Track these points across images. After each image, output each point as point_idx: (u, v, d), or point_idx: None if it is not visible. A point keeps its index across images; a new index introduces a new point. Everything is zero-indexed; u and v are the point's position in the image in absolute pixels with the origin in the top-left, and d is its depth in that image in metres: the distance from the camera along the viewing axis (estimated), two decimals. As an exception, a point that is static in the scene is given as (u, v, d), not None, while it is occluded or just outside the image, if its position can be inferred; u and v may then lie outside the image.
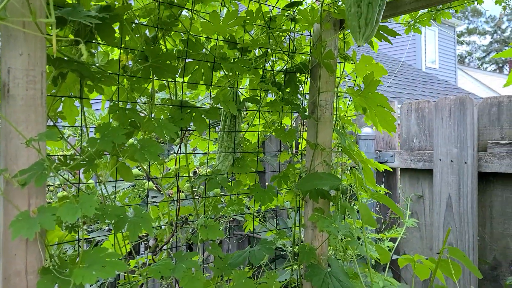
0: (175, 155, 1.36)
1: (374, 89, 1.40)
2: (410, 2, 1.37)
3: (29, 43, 0.88)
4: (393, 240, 2.18)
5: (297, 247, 1.52)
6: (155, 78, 1.20)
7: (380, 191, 1.68)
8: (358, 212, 1.34)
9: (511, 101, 1.91)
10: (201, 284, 1.15)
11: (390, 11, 1.45)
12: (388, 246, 2.03)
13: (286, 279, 1.80)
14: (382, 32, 1.35)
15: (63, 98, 1.13)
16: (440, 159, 2.09)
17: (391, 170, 1.90)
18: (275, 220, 2.42)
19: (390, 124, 1.43)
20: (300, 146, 1.79)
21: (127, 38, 1.20)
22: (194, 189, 1.34)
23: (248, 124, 1.60)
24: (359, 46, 0.90)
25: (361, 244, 1.49)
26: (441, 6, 1.45)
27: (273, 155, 2.19)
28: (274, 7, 1.46)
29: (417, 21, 1.54)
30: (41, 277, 0.90)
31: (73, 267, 0.91)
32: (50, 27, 0.90)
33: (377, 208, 2.38)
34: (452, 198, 2.04)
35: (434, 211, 2.13)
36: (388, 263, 1.77)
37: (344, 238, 1.53)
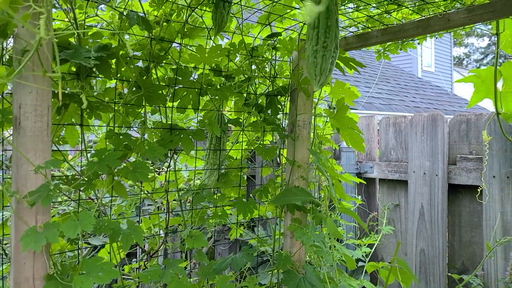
0: (165, 171, 1.51)
1: (345, 113, 1.55)
2: (377, 36, 1.52)
3: (37, 83, 1.03)
4: (371, 246, 2.34)
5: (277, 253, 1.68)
6: (147, 105, 1.35)
7: (352, 201, 1.83)
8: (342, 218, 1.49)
9: (478, 119, 2.07)
10: (186, 287, 1.31)
11: (361, 42, 1.61)
12: (365, 252, 2.19)
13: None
14: (351, 63, 1.51)
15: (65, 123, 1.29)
16: (414, 171, 2.25)
17: (365, 182, 2.05)
18: (262, 227, 2.58)
19: (358, 144, 1.58)
20: (282, 160, 1.94)
21: (123, 69, 1.35)
22: (182, 202, 1.49)
23: (232, 142, 1.75)
24: (315, 91, 1.05)
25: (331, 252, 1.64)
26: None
27: (265, 165, 2.35)
28: (256, 37, 1.62)
29: (386, 49, 1.70)
30: (46, 283, 1.05)
31: (73, 274, 1.06)
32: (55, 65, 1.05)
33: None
34: (425, 208, 2.20)
35: (408, 219, 2.28)
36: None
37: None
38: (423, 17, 1.42)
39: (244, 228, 2.43)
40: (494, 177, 1.97)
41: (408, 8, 1.40)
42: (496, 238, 1.97)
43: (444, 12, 1.35)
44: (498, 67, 1.61)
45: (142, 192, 1.55)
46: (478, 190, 1.90)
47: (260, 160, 2.70)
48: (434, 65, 15.85)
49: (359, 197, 2.47)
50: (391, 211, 2.40)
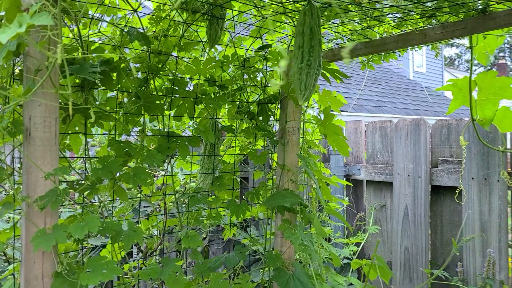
0: (162, 175, 1.61)
1: (331, 120, 1.66)
2: (361, 48, 1.63)
3: (46, 96, 1.12)
4: (359, 245, 2.45)
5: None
6: (146, 114, 1.45)
7: (340, 203, 1.93)
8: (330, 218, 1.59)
9: (458, 123, 2.19)
10: (183, 284, 1.41)
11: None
12: (353, 250, 2.30)
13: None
14: (336, 74, 1.61)
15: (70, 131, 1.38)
16: (399, 173, 2.36)
17: (351, 184, 2.15)
18: (255, 227, 2.68)
19: (344, 149, 1.69)
20: (273, 164, 2.05)
21: (123, 80, 1.44)
22: (178, 204, 1.59)
23: (226, 147, 1.85)
24: (300, 105, 1.16)
25: (323, 250, 1.75)
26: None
27: (257, 168, 2.45)
28: (248, 49, 1.72)
29: (370, 60, 1.80)
30: (54, 280, 1.14)
31: (79, 272, 1.15)
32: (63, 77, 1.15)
33: (345, 216, 2.65)
34: (409, 208, 2.32)
35: (393, 219, 2.40)
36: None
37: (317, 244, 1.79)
38: (403, 32, 1.53)
39: (237, 229, 2.53)
40: (472, 178, 2.09)
41: (388, 24, 1.51)
42: (475, 237, 2.09)
43: (422, 28, 1.46)
44: (473, 78, 1.73)
45: (141, 195, 1.64)
46: (456, 191, 2.01)
47: (253, 163, 2.80)
48: (425, 66, 16.04)
49: (347, 198, 2.58)
50: (378, 211, 2.51)
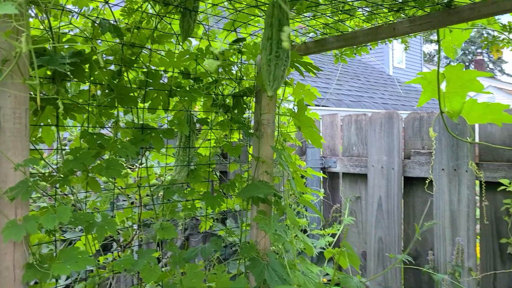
0: (138, 167, 1.62)
1: (304, 113, 1.69)
2: (333, 42, 1.66)
3: (15, 87, 1.12)
4: (334, 235, 2.49)
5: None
6: (119, 106, 1.45)
7: (315, 194, 1.97)
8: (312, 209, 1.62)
9: (430, 116, 2.25)
10: (157, 275, 1.42)
11: (319, 47, 1.75)
12: (328, 241, 2.34)
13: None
14: (309, 67, 1.64)
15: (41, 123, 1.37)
16: (373, 165, 2.42)
17: (326, 176, 2.20)
18: (234, 220, 2.71)
19: (317, 141, 1.72)
20: (249, 156, 2.07)
21: (96, 73, 1.44)
22: (154, 197, 1.60)
23: (202, 140, 1.87)
24: (268, 96, 1.18)
25: (296, 239, 1.78)
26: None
27: (232, 161, 2.47)
28: (222, 42, 1.73)
29: (343, 53, 1.84)
30: (25, 271, 1.14)
31: (51, 263, 1.16)
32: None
33: (322, 207, 2.69)
34: (382, 199, 2.37)
35: (368, 210, 2.45)
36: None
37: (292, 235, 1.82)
38: (373, 26, 1.57)
39: (215, 221, 2.55)
40: (443, 169, 2.15)
41: (358, 18, 1.54)
42: (445, 226, 2.15)
43: (390, 22, 1.50)
44: (442, 71, 1.78)
45: (115, 188, 1.65)
46: (426, 181, 2.07)
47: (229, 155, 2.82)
48: (405, 62, 16.26)
49: (322, 190, 2.62)
50: (353, 203, 2.56)
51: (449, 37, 1.73)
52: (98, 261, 1.64)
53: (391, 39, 1.67)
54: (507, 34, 1.38)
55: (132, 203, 2.05)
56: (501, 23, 1.39)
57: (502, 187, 1.94)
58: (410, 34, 1.59)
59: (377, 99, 7.45)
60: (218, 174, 3.01)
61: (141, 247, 2.28)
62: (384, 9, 1.45)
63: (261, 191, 1.55)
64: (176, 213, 1.65)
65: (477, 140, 2.10)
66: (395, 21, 1.51)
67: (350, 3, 1.46)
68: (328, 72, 7.98)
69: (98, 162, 1.32)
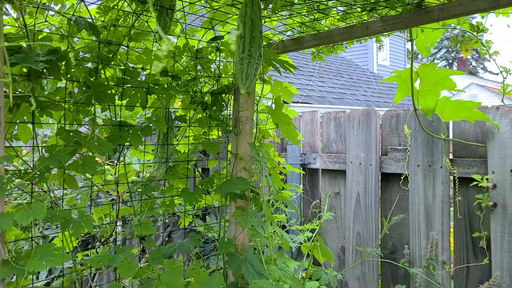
0: (116, 164, 1.63)
1: (281, 110, 1.72)
2: (309, 40, 1.69)
3: (-10, 85, 1.12)
4: (314, 230, 2.54)
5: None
6: (96, 103, 1.46)
7: (294, 191, 2.00)
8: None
9: (406, 113, 2.30)
10: (134, 270, 1.44)
11: (296, 45, 1.78)
12: (307, 236, 2.38)
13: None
14: (285, 65, 1.67)
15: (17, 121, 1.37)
16: (351, 162, 2.46)
17: (304, 172, 2.23)
18: (215, 216, 2.73)
19: (293, 137, 1.75)
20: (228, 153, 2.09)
21: (73, 70, 1.44)
22: (134, 194, 1.61)
23: (180, 137, 1.88)
24: (241, 94, 1.21)
25: (272, 236, 1.82)
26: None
27: (212, 158, 2.49)
28: (200, 40, 1.75)
29: (320, 51, 1.87)
30: (1, 267, 1.15)
31: (27, 259, 1.17)
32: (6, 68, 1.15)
33: (301, 203, 2.73)
34: (360, 195, 2.42)
35: (346, 205, 2.50)
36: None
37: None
38: (348, 25, 1.60)
39: (197, 217, 2.57)
40: (418, 165, 2.21)
41: (333, 17, 1.57)
42: (420, 221, 2.21)
43: (364, 21, 1.54)
44: (415, 69, 1.83)
45: (93, 185, 1.65)
46: (402, 177, 2.12)
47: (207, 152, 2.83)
48: (389, 60, 16.42)
49: (301, 186, 2.66)
50: (333, 198, 2.60)
51: (422, 36, 1.77)
52: (77, 257, 1.65)
53: (366, 38, 1.71)
54: (476, 34, 1.43)
55: (112, 200, 2.06)
56: (470, 24, 1.43)
57: (475, 183, 1.99)
58: (385, 34, 1.63)
59: (359, 96, 7.53)
60: (200, 170, 3.03)
61: (125, 243, 2.29)
62: (358, 9, 1.48)
63: (238, 187, 1.57)
64: (154, 210, 1.67)
65: (451, 137, 2.16)
66: (369, 20, 1.54)
67: (325, 3, 1.49)
68: (312, 69, 8.02)
69: (75, 159, 1.32)
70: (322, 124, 2.66)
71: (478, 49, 1.55)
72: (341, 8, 1.51)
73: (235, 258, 1.65)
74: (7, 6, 1.23)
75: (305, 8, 1.53)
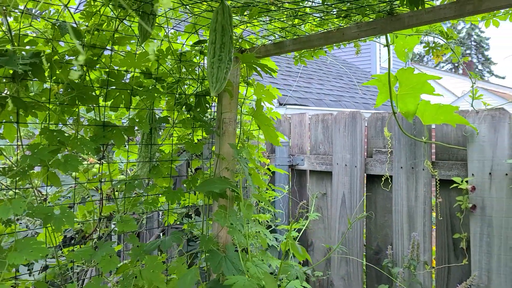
0: (100, 163, 1.69)
1: (261, 112, 1.77)
2: (289, 45, 1.74)
3: (-27, 86, 1.18)
4: (301, 231, 2.58)
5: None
6: (80, 104, 1.52)
7: (271, 191, 2.05)
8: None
9: (391, 116, 2.34)
10: (115, 265, 1.49)
11: (278, 49, 1.82)
12: (293, 236, 2.43)
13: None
14: (265, 68, 1.72)
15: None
16: (337, 163, 2.51)
17: (287, 173, 2.28)
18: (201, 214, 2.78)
19: (274, 138, 1.80)
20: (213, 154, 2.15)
21: (58, 71, 1.50)
22: (115, 191, 1.67)
23: (164, 137, 1.94)
24: (205, 95, 1.27)
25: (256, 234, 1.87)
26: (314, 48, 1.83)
27: (205, 157, 2.54)
28: (185, 44, 1.80)
29: (302, 55, 1.92)
30: (-17, 260, 1.21)
31: (8, 252, 1.23)
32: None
33: (290, 204, 2.78)
34: (346, 196, 2.47)
35: (333, 206, 2.55)
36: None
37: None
38: (325, 30, 1.65)
39: (188, 217, 2.62)
40: (401, 168, 2.25)
41: (310, 23, 1.62)
42: (403, 222, 2.25)
43: (340, 27, 1.59)
44: (395, 73, 1.87)
45: (77, 183, 1.71)
46: (383, 179, 2.16)
47: (207, 154, 2.89)
48: (392, 62, 16.38)
49: (287, 187, 2.70)
50: (320, 199, 2.65)
51: (401, 42, 1.82)
52: (62, 252, 1.70)
53: (345, 43, 1.75)
54: (446, 40, 1.47)
55: (106, 199, 2.12)
56: (440, 31, 1.48)
57: (455, 185, 2.04)
58: (362, 39, 1.67)
59: (358, 98, 7.56)
60: (193, 170, 3.08)
61: (111, 240, 2.35)
62: (332, 16, 1.53)
63: (217, 186, 1.62)
64: (137, 207, 1.72)
65: (434, 139, 2.20)
66: (345, 26, 1.59)
67: (303, 10, 1.55)
68: (312, 72, 8.06)
69: (57, 157, 1.38)
70: (310, 126, 2.71)
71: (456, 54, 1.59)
72: (317, 15, 1.56)
73: (215, 255, 1.70)
74: (-7, 11, 1.29)
75: (284, 14, 1.58)
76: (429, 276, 2.16)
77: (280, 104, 5.36)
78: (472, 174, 2.00)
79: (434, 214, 2.24)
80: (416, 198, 2.21)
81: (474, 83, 1.62)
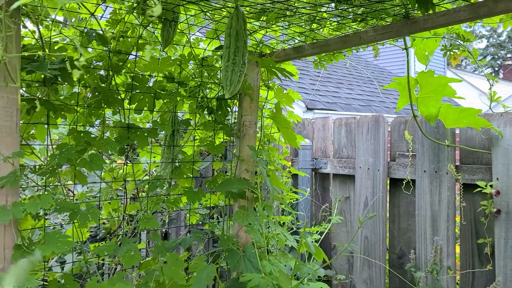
0: (124, 163, 1.77)
1: (280, 115, 1.80)
2: (308, 49, 1.78)
3: (8, 89, 1.28)
4: (323, 233, 2.59)
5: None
6: (106, 107, 1.60)
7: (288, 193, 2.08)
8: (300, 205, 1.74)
9: (412, 120, 2.32)
10: (137, 261, 1.56)
11: (297, 53, 1.86)
12: (315, 238, 2.44)
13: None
14: (284, 72, 1.75)
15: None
16: (360, 167, 2.50)
17: (307, 175, 2.30)
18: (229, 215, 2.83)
19: (292, 140, 1.83)
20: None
21: (85, 76, 1.59)
22: (139, 191, 1.75)
23: (186, 139, 2.00)
24: (226, 99, 1.31)
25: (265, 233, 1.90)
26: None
27: (228, 160, 2.60)
28: (206, 49, 1.87)
29: (322, 59, 1.95)
30: (14, 251, 1.30)
31: (37, 245, 1.31)
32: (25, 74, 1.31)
33: (313, 207, 2.79)
34: (368, 199, 2.46)
35: (355, 210, 2.54)
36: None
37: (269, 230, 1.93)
38: (343, 34, 1.67)
39: (211, 218, 2.69)
40: (425, 171, 2.23)
41: (328, 27, 1.65)
42: (426, 226, 2.22)
43: (357, 31, 1.61)
44: (415, 77, 1.87)
45: (102, 181, 1.80)
46: (404, 182, 2.14)
47: (230, 156, 2.95)
48: (427, 66, 16.02)
49: (308, 190, 2.72)
50: (343, 203, 2.65)
51: (421, 45, 1.82)
52: (89, 248, 1.79)
53: (364, 46, 1.77)
54: (462, 42, 1.46)
55: (131, 198, 2.21)
56: (456, 33, 1.47)
57: (479, 189, 2.00)
58: (380, 42, 1.68)
59: (388, 103, 7.45)
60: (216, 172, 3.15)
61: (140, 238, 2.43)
62: (349, 20, 1.55)
63: (235, 187, 1.67)
64: (158, 206, 1.79)
65: (458, 143, 2.17)
66: (362, 30, 1.61)
67: (321, 14, 1.58)
68: (341, 76, 8.02)
69: (84, 157, 1.47)
70: (333, 129, 2.72)
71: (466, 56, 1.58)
72: (334, 19, 1.59)
73: (234, 254, 1.74)
74: (26, 20, 1.39)
75: (301, 19, 1.61)
76: (452, 281, 2.13)
77: (308, 109, 5.36)
78: (497, 178, 1.96)
79: (457, 219, 2.20)
80: (440, 202, 2.18)
81: (492, 85, 1.60)
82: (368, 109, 6.50)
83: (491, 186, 1.98)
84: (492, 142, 1.99)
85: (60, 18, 1.51)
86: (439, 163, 2.18)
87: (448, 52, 1.56)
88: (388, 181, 2.44)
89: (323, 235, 2.45)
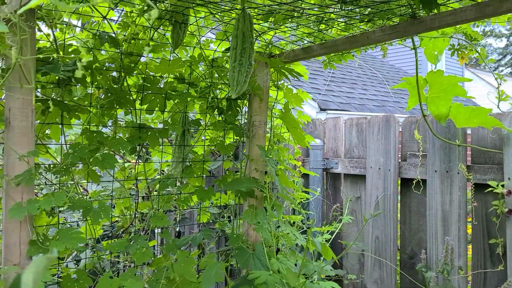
0: (136, 163, 1.81)
1: (289, 115, 1.82)
2: (317, 49, 1.79)
3: (23, 91, 1.33)
4: (333, 233, 2.60)
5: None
6: (118, 107, 1.64)
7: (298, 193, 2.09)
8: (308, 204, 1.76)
9: (421, 119, 2.31)
10: (148, 258, 1.60)
11: (306, 54, 1.88)
12: (326, 238, 2.45)
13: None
14: (293, 73, 1.77)
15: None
16: (371, 167, 2.50)
17: (314, 174, 2.30)
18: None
19: (301, 140, 1.85)
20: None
21: (98, 78, 1.64)
22: (150, 189, 1.79)
23: (197, 139, 2.04)
24: (232, 98, 1.34)
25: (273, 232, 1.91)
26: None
27: (238, 160, 2.63)
28: (216, 50, 1.90)
29: (331, 60, 1.96)
30: (29, 247, 1.35)
31: (51, 240, 1.36)
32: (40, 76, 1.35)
33: (324, 207, 2.80)
34: (379, 199, 2.45)
35: (366, 209, 2.54)
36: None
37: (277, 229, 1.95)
38: (350, 35, 1.68)
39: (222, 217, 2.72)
40: (436, 171, 2.22)
41: (335, 27, 1.66)
42: (437, 226, 2.21)
43: (365, 31, 1.62)
44: (424, 76, 1.86)
45: (114, 180, 1.84)
46: (414, 182, 2.14)
47: (240, 156, 2.98)
48: (444, 66, 15.82)
49: (319, 189, 2.72)
50: (354, 202, 2.65)
51: (430, 44, 1.81)
52: (102, 245, 1.84)
53: (372, 46, 1.77)
54: (470, 41, 1.46)
55: (143, 197, 2.25)
56: (464, 33, 1.47)
57: (490, 189, 1.98)
58: (388, 42, 1.69)
59: (403, 103, 7.38)
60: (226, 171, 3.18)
61: (154, 236, 2.47)
62: (356, 21, 1.57)
63: (244, 186, 1.69)
64: (169, 204, 1.83)
65: (469, 143, 2.15)
66: (370, 30, 1.62)
67: (327, 15, 1.59)
68: (355, 77, 7.97)
69: (96, 156, 1.51)
70: (344, 129, 2.72)
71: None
72: (342, 20, 1.60)
73: (243, 252, 1.77)
74: (41, 23, 1.44)
75: (309, 20, 1.63)
76: (463, 282, 2.11)
77: (321, 109, 5.36)
78: (509, 178, 1.94)
79: (469, 219, 2.19)
80: (451, 202, 2.17)
81: (500, 84, 1.59)
82: (382, 109, 6.46)
83: (502, 186, 1.96)
84: (504, 142, 1.97)
85: (74, 21, 1.56)
86: (450, 163, 2.17)
87: (456, 52, 1.55)
88: (399, 181, 2.44)
89: (333, 235, 2.46)
